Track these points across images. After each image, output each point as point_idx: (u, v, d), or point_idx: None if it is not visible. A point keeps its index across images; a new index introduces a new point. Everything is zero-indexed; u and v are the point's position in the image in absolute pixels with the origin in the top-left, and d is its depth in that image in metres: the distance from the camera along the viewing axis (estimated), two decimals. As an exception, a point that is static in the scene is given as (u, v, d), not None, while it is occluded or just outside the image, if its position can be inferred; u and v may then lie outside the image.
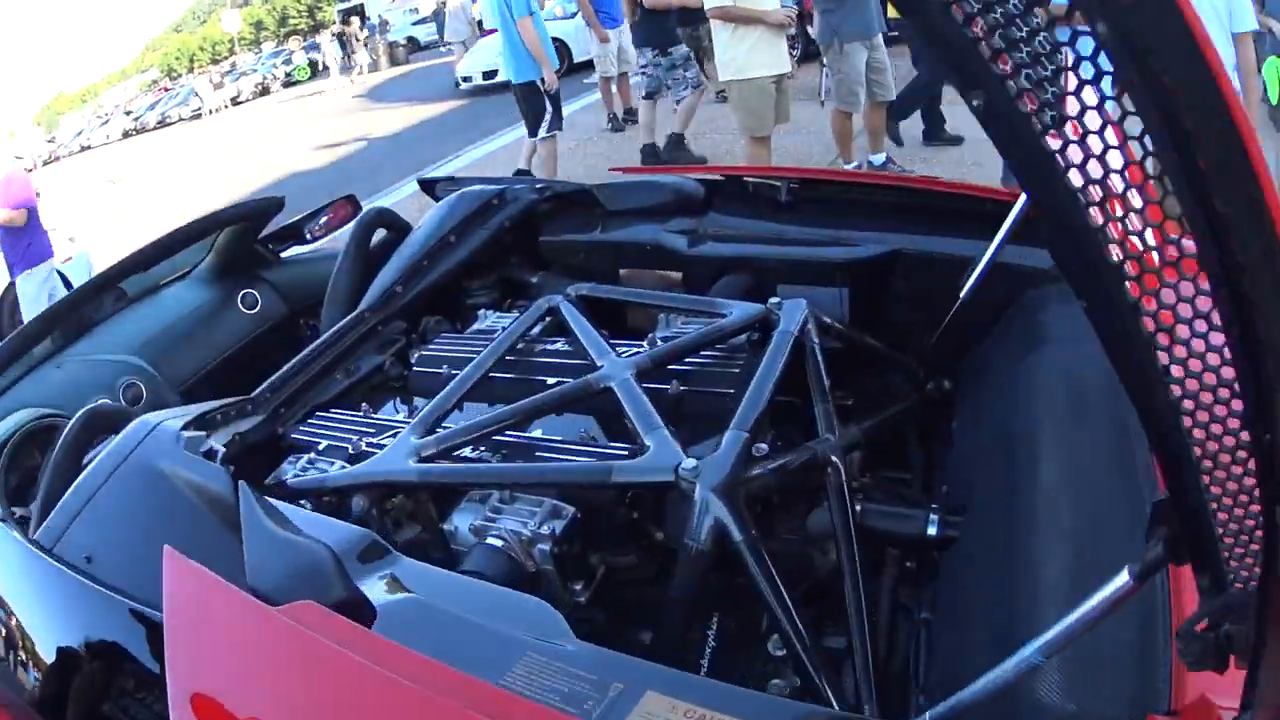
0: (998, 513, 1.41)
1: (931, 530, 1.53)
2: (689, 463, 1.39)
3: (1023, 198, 1.84)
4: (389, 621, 1.11)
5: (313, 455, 1.81)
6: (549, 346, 2.06)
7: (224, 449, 1.66)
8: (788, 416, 1.71)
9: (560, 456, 1.62)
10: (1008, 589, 1.21)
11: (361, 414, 1.99)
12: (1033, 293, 1.90)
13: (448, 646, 1.06)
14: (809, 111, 6.62)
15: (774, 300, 1.90)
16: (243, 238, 2.92)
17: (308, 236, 3.14)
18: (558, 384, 1.83)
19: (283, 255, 3.12)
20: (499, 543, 1.50)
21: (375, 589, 1.19)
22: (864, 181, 2.39)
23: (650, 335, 2.01)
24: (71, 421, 1.92)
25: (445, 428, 1.73)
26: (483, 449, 1.71)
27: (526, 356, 2.03)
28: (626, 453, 1.56)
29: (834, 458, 1.54)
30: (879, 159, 5.54)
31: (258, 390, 1.98)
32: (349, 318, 2.24)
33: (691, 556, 1.35)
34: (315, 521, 1.39)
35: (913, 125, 6.04)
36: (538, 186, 2.62)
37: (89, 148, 33.87)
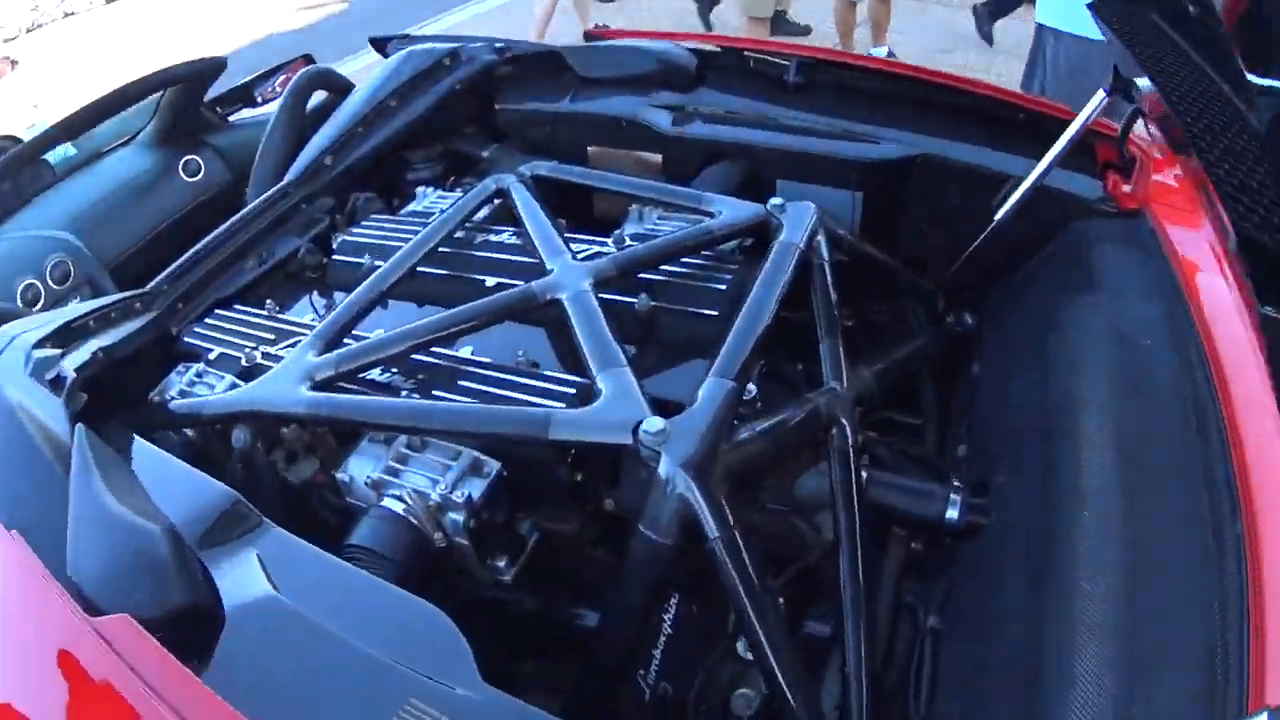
0: (1031, 506, 1.15)
1: (952, 513, 1.29)
2: (653, 423, 1.10)
3: (1082, 114, 1.54)
4: (239, 636, 0.88)
5: (202, 367, 1.54)
6: (493, 238, 1.77)
7: (75, 374, 1.35)
8: (781, 339, 1.42)
9: (490, 389, 1.34)
10: (1038, 621, 0.96)
11: (266, 313, 1.70)
12: (1082, 226, 1.62)
13: (303, 686, 0.82)
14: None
15: (775, 201, 1.60)
16: (187, 100, 2.64)
17: (258, 99, 2.89)
18: (498, 286, 1.56)
19: (231, 119, 2.84)
20: (399, 507, 1.23)
21: (230, 578, 0.94)
22: (890, 71, 2.02)
23: (618, 232, 1.72)
24: None
25: (354, 340, 1.44)
26: (394, 371, 1.42)
27: (465, 249, 1.73)
28: (574, 392, 1.28)
29: (842, 417, 1.27)
30: (880, 51, 5.19)
31: (155, 281, 1.69)
32: (268, 193, 1.93)
33: (648, 550, 1.08)
34: (170, 477, 1.12)
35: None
36: (497, 46, 2.28)
37: (73, 14, 32.11)
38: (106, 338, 1.53)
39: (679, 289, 1.54)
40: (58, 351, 1.43)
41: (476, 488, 1.24)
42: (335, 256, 1.86)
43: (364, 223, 1.96)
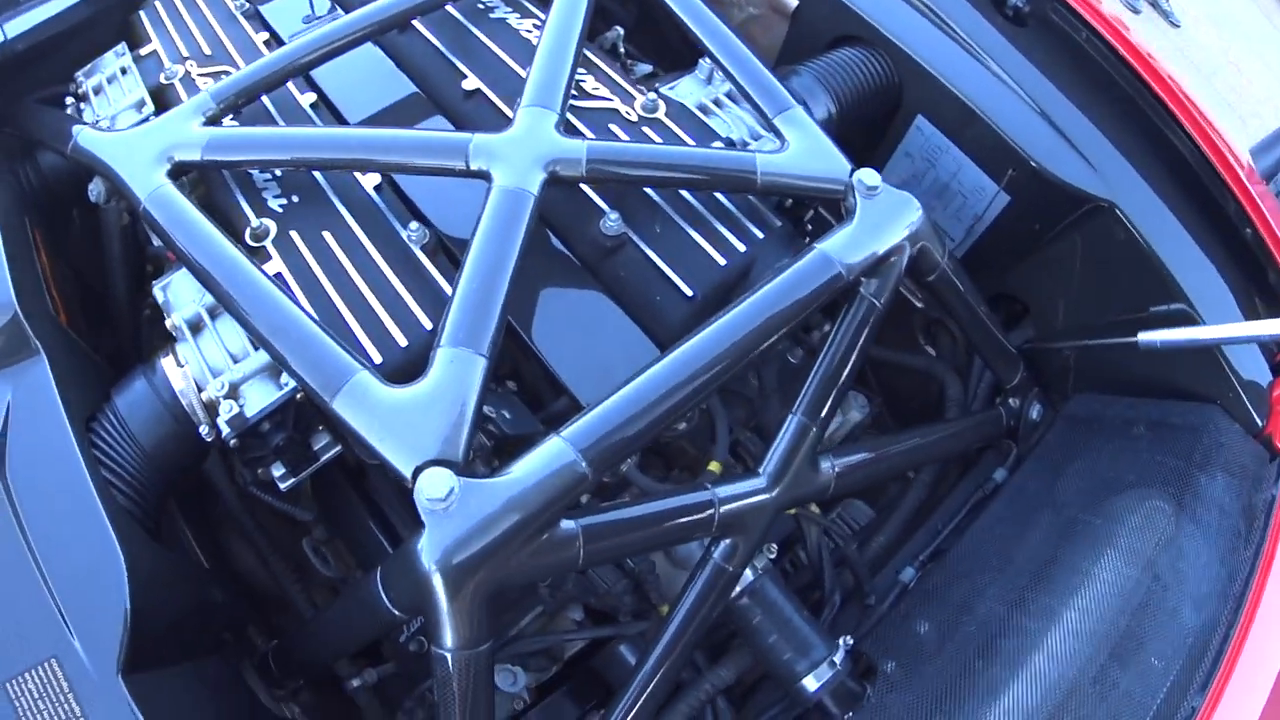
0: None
1: (810, 683, 1.07)
2: (434, 482, 0.90)
3: None
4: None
5: (130, 59, 1.50)
6: (510, 18, 1.54)
7: None
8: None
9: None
10: None
11: (236, 5, 1.59)
12: (1210, 417, 1.25)
13: None
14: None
15: (870, 176, 1.20)
16: None
17: None
18: (473, 94, 1.41)
19: None
20: (178, 385, 1.12)
21: None
22: (1140, 55, 1.44)
23: (653, 96, 1.39)
24: None
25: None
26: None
27: (471, 16, 1.53)
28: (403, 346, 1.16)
29: (742, 533, 1.05)
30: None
31: None
32: None
33: (377, 612, 1.03)
34: None
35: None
36: None
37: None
38: (31, 13, 1.47)
39: (668, 236, 1.22)
40: None
41: (260, 400, 1.10)
42: None
43: None
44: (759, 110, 1.31)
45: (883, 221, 1.17)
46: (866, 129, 1.55)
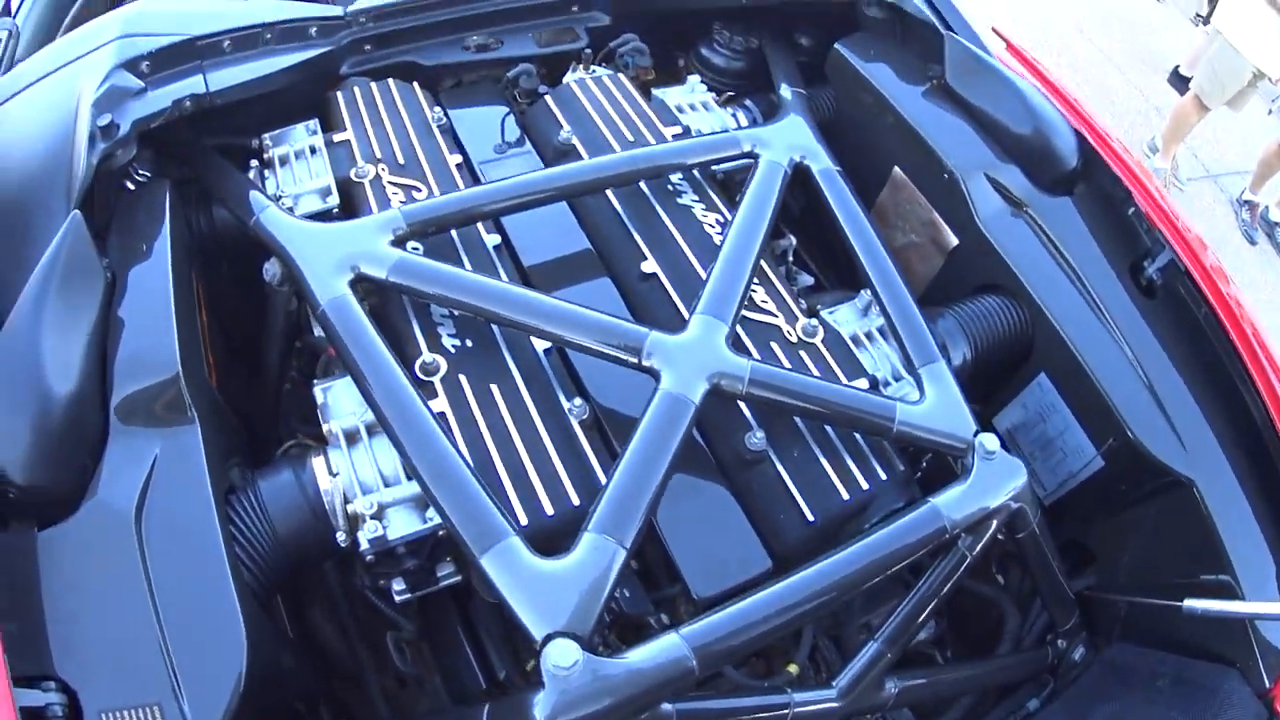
0: None
1: None
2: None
3: None
4: (76, 531, 1.09)
5: (322, 141, 1.55)
6: (695, 205, 1.57)
7: (132, 128, 1.38)
8: None
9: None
10: None
11: (433, 115, 1.63)
12: (1232, 688, 1.28)
13: (80, 617, 1.00)
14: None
15: (989, 441, 1.28)
16: None
17: None
18: (650, 277, 1.45)
19: None
20: (324, 484, 1.17)
21: (108, 469, 1.11)
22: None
23: (812, 320, 1.48)
24: None
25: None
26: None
27: (660, 196, 1.58)
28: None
29: None
30: (1163, 166, 4.59)
31: (355, 4, 1.64)
32: None
33: None
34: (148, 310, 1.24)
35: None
36: None
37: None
38: (235, 69, 1.50)
39: (803, 461, 1.30)
40: (137, 84, 1.40)
41: (404, 527, 1.14)
42: (547, 97, 1.68)
43: (604, 76, 1.73)
44: (906, 354, 1.40)
45: (992, 485, 1.25)
46: (992, 375, 1.61)
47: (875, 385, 1.42)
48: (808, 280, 1.77)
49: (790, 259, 1.72)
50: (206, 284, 1.47)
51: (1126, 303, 1.53)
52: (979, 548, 1.26)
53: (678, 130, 1.67)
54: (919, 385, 1.36)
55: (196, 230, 1.52)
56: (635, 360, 1.23)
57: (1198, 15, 6.95)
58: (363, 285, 1.30)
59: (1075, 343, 1.49)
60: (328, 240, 1.32)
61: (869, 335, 1.49)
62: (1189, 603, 1.31)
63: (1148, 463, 1.41)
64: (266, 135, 1.60)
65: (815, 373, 1.37)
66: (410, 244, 1.36)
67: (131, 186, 1.48)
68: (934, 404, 1.33)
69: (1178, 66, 5.62)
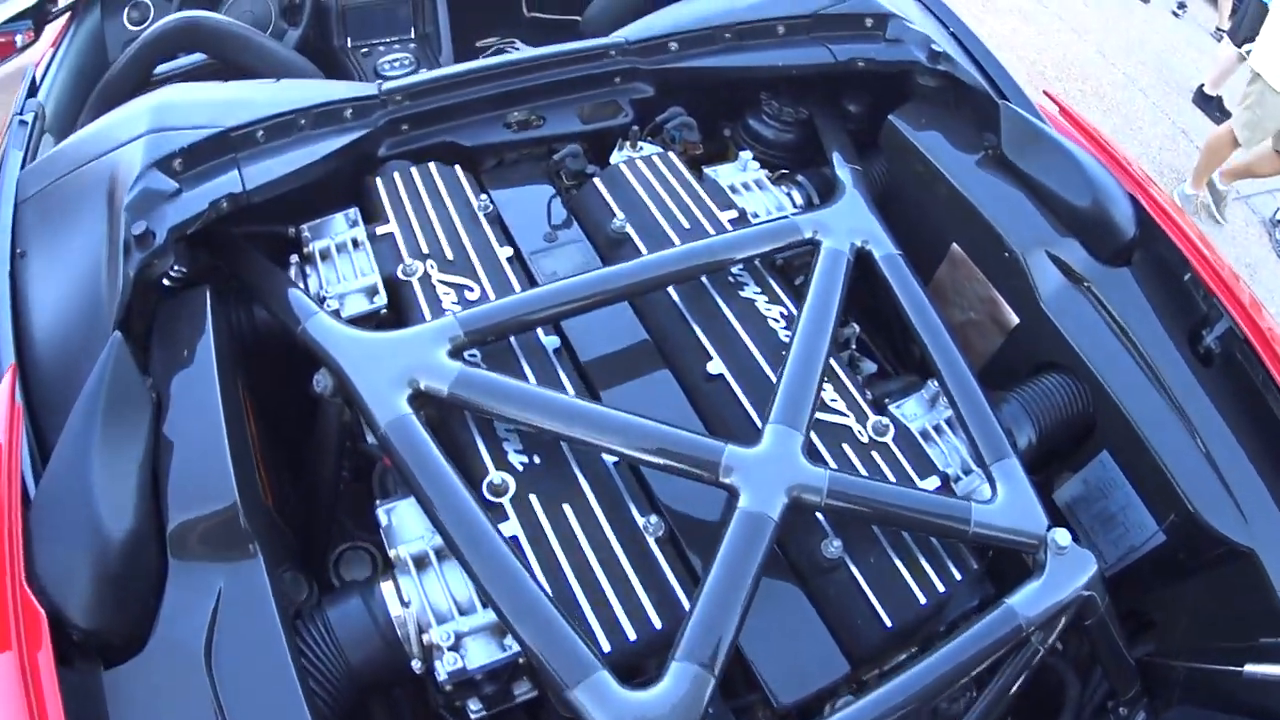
0: None
1: None
2: None
3: None
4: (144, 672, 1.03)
5: (364, 233, 1.48)
6: (760, 300, 1.52)
7: (168, 235, 1.31)
8: None
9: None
10: None
11: (479, 203, 1.56)
12: None
13: None
14: None
15: (1061, 537, 1.25)
16: None
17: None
18: (716, 378, 1.39)
19: None
20: (395, 610, 1.13)
21: (169, 610, 1.07)
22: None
23: (895, 406, 1.46)
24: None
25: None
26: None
27: (719, 292, 1.51)
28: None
29: None
30: (1194, 193, 4.54)
31: (389, 84, 1.59)
32: (588, 43, 1.73)
33: None
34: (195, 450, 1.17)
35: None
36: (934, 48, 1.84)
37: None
38: (271, 162, 1.43)
39: (879, 567, 1.26)
40: (171, 185, 1.34)
41: (483, 656, 1.09)
42: (596, 180, 1.61)
43: (654, 155, 1.66)
44: (976, 449, 1.36)
45: (1065, 580, 1.22)
46: (1051, 452, 1.58)
47: (946, 481, 1.38)
48: (871, 367, 1.72)
49: (854, 346, 1.68)
50: (252, 388, 1.42)
51: (1186, 374, 1.49)
52: (1049, 640, 1.23)
53: (734, 215, 1.62)
54: (989, 480, 1.33)
55: (239, 331, 1.47)
56: (713, 477, 1.20)
57: (1218, 29, 6.94)
58: (421, 399, 1.25)
59: (1137, 420, 1.46)
60: (383, 352, 1.26)
61: (937, 428, 1.46)
62: (1250, 668, 1.29)
63: (1208, 535, 1.38)
64: (305, 226, 1.53)
65: (888, 474, 1.33)
66: (468, 351, 1.32)
67: (167, 282, 1.43)
68: (1006, 501, 1.29)
69: (1201, 86, 5.58)
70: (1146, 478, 1.46)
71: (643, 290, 1.43)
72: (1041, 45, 5.51)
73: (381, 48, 2.80)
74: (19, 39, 2.44)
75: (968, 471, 1.39)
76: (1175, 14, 7.12)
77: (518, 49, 3.20)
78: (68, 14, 2.48)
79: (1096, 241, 1.62)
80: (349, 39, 2.80)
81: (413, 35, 2.86)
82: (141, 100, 1.54)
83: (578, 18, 3.04)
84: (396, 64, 2.75)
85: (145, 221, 1.28)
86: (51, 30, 2.46)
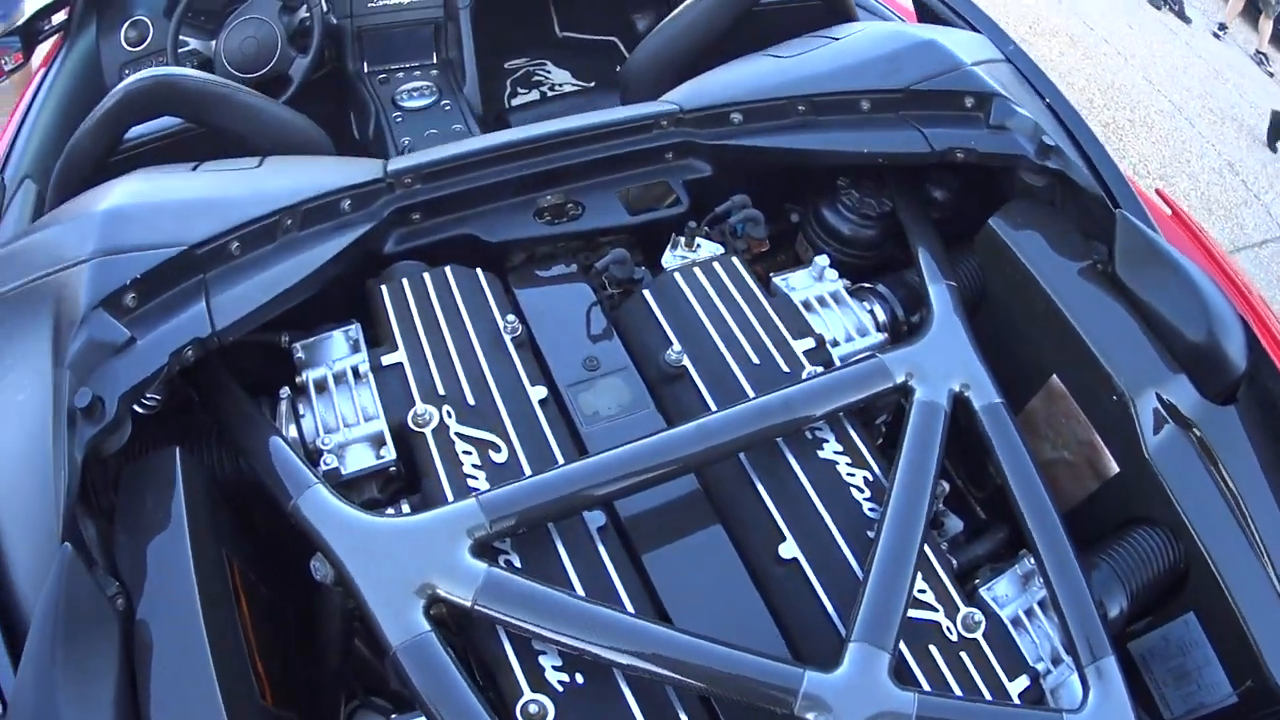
0: None
1: None
2: None
3: None
4: None
5: (367, 363, 1.23)
6: (841, 463, 1.28)
7: (120, 402, 1.06)
8: None
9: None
10: None
11: (505, 324, 1.30)
12: None
13: None
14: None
15: None
16: None
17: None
18: (787, 575, 1.18)
19: None
20: None
21: None
22: None
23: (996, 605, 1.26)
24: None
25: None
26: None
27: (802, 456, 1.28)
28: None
29: None
30: None
31: (392, 165, 1.36)
32: (634, 110, 1.50)
33: None
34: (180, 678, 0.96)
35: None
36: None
37: None
38: (247, 285, 1.20)
39: None
40: (121, 334, 1.09)
41: None
42: (646, 292, 1.38)
43: (714, 261, 1.43)
44: (1071, 645, 1.17)
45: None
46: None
47: (1036, 679, 1.19)
48: (957, 524, 1.51)
49: (941, 505, 1.47)
50: (241, 557, 1.18)
51: None
52: None
53: (810, 344, 1.39)
54: (1082, 680, 1.14)
55: (221, 476, 1.24)
56: (788, 712, 1.00)
57: (1258, 52, 6.75)
58: (439, 607, 1.04)
59: (1231, 587, 1.29)
60: (392, 547, 1.04)
61: (1029, 612, 1.26)
62: None
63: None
64: (298, 346, 1.27)
65: (977, 680, 1.14)
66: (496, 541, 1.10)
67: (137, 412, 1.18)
68: (1098, 710, 1.11)
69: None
70: (1229, 641, 1.31)
71: (707, 461, 1.20)
72: (1090, 71, 5.29)
73: (400, 74, 2.58)
74: (6, 62, 2.22)
75: (1057, 662, 1.21)
76: (1216, 35, 6.93)
77: (549, 74, 2.95)
78: (59, 34, 2.27)
79: (1207, 378, 1.41)
80: (365, 64, 2.57)
81: (435, 60, 2.63)
82: (92, 200, 1.27)
83: (613, 38, 2.80)
84: (416, 93, 2.52)
85: (91, 389, 1.04)
86: (43, 50, 2.26)
